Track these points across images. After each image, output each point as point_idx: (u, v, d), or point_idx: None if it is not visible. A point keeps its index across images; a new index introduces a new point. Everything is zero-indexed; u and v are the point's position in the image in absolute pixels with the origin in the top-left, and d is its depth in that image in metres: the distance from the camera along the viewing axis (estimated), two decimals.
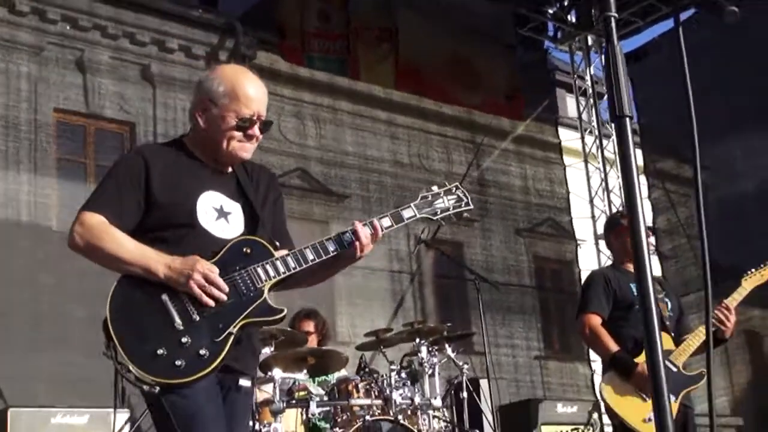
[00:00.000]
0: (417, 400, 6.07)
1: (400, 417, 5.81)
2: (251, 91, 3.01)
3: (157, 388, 2.68)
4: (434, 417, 6.20)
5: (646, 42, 10.90)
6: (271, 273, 2.88)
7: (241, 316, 2.82)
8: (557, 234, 12.72)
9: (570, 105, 12.82)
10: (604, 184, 11.37)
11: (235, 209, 3.03)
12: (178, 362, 2.68)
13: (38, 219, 9.05)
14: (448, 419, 6.49)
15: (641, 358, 4.57)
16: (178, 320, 2.73)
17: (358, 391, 6.07)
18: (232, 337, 2.78)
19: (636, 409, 4.48)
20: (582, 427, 6.08)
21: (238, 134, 2.97)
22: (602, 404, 4.73)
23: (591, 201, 11.31)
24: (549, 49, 12.14)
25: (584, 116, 11.65)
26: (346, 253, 3.00)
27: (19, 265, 8.51)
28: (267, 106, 3.04)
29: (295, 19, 9.73)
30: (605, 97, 11.30)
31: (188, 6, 10.72)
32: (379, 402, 5.96)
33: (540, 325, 11.00)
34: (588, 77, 11.44)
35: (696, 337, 4.68)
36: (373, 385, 6.16)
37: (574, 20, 11.14)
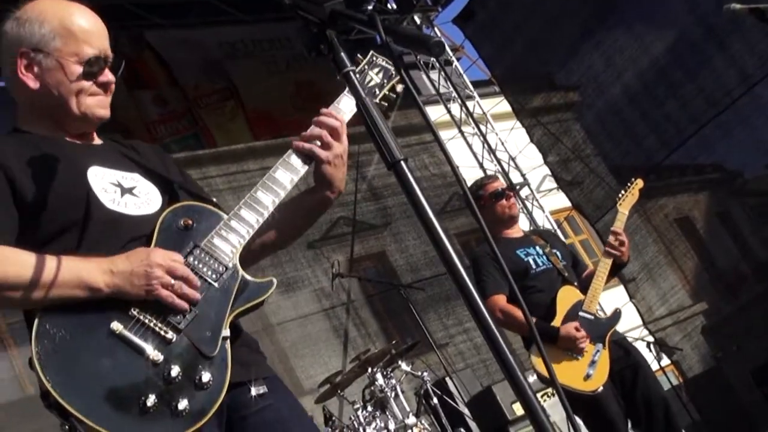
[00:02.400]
0: (392, 426, 6.15)
1: None
2: (88, 24, 2.27)
3: None
4: None
5: (469, 1, 11.10)
6: (234, 240, 2.16)
7: (227, 310, 2.10)
8: (465, 206, 12.88)
9: (427, 83, 12.97)
10: (485, 144, 11.56)
11: (136, 181, 2.29)
12: (180, 406, 1.94)
13: None
14: (429, 430, 6.54)
15: (557, 321, 4.66)
16: (149, 349, 1.96)
17: None
18: (227, 343, 2.07)
19: (573, 371, 4.52)
20: (550, 390, 6.19)
21: (88, 84, 2.23)
22: (539, 377, 4.77)
23: (481, 165, 11.49)
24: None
25: (442, 89, 11.82)
26: (316, 171, 2.35)
27: None
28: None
29: (134, 115, 9.65)
30: (455, 62, 11.59)
31: None
32: None
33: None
34: None
35: (600, 276, 4.75)
36: (346, 430, 6.22)
37: (395, 6, 11.32)
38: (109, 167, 2.25)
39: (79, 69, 2.21)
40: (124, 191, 2.22)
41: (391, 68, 2.61)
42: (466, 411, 7.38)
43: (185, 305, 2.02)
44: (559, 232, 10.42)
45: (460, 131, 11.73)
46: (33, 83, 2.22)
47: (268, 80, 10.43)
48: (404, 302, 7.71)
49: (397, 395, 6.52)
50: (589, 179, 11.18)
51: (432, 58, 11.58)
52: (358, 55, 2.55)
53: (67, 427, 1.85)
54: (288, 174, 2.29)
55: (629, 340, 5.32)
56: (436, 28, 11.79)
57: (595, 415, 4.58)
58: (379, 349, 6.81)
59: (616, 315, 4.84)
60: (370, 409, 6.34)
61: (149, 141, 9.98)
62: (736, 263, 12.50)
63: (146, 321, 1.99)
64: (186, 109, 10.11)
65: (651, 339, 10.02)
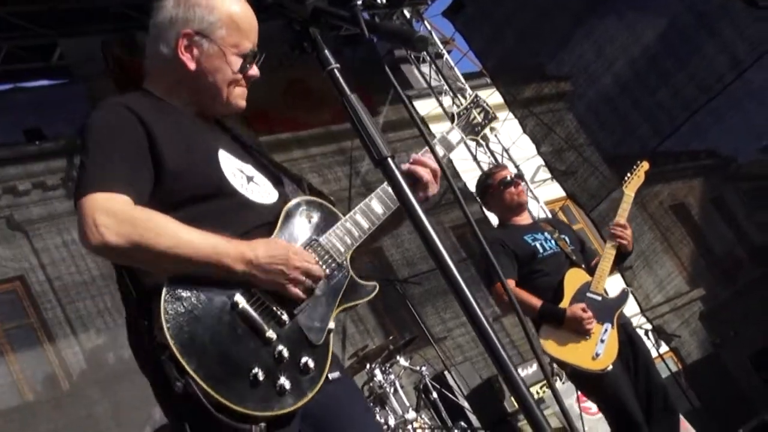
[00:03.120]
0: (392, 421, 6.15)
1: None
2: (249, 19, 2.39)
3: (263, 425, 1.99)
4: (416, 429, 6.27)
5: None
6: (348, 241, 2.29)
7: (335, 305, 2.25)
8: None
9: (419, 76, 12.95)
10: None
11: (253, 172, 2.38)
12: (286, 385, 2.04)
13: None
14: (429, 425, 6.55)
15: (565, 303, 4.67)
16: (266, 327, 2.06)
17: None
18: (331, 335, 2.21)
19: (581, 351, 4.54)
20: (557, 376, 6.19)
21: (239, 76, 2.35)
22: (549, 359, 4.79)
23: (474, 157, 11.50)
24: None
25: (433, 82, 11.82)
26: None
27: None
28: None
29: None
30: (446, 55, 11.57)
31: (22, 144, 10.35)
32: None
33: (481, 293, 11.13)
34: None
35: (606, 259, 4.77)
36: None
37: (384, 1, 11.29)
38: (232, 154, 2.34)
39: (238, 61, 2.33)
40: (248, 179, 2.32)
41: (491, 111, 2.85)
42: (465, 404, 7.39)
43: (305, 297, 2.15)
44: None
45: (452, 122, 11.71)
46: (191, 63, 2.31)
47: (261, 79, 10.39)
48: (401, 297, 7.71)
49: (396, 390, 6.53)
50: (582, 168, 11.18)
51: (423, 52, 11.57)
52: (465, 95, 2.69)
53: (179, 383, 1.92)
54: None
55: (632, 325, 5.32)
56: (426, 22, 11.79)
57: (606, 395, 4.61)
58: (377, 345, 6.83)
59: (624, 295, 4.87)
60: (370, 404, 6.34)
61: None
62: (731, 248, 12.53)
63: (266, 300, 2.10)
64: None
65: (649, 326, 10.03)
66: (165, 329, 1.94)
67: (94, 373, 8.80)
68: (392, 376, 6.55)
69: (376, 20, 9.70)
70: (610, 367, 4.52)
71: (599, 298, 4.69)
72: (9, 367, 8.48)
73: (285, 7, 1.63)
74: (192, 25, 2.31)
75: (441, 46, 12.07)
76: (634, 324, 9.84)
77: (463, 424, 6.67)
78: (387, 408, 6.39)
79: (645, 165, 5.15)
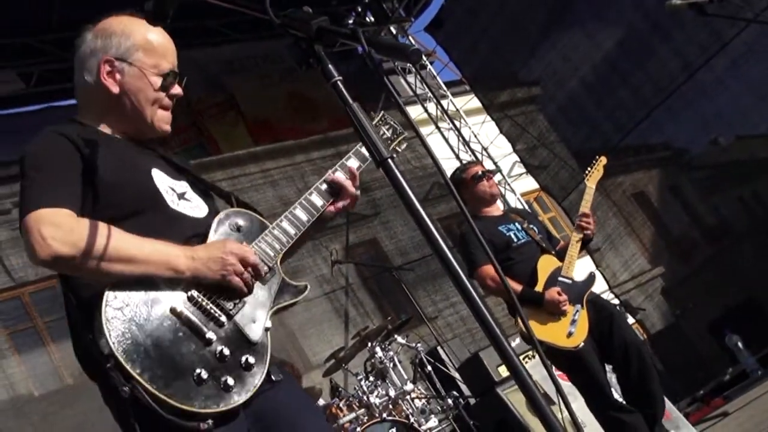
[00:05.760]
0: (392, 393, 6.15)
1: (385, 414, 5.88)
2: (165, 41, 2.30)
3: (210, 422, 1.89)
4: (413, 399, 6.28)
5: (438, 10, 11.10)
6: (278, 246, 2.21)
7: (270, 305, 2.16)
8: (446, 194, 12.87)
9: (405, 85, 12.95)
10: (460, 138, 11.57)
11: (185, 188, 2.30)
12: (229, 382, 1.95)
13: None
14: (425, 395, 6.56)
15: (539, 287, 4.68)
16: (205, 329, 1.97)
17: (342, 411, 6.11)
18: (268, 333, 2.11)
19: (556, 331, 4.55)
20: (530, 352, 6.20)
21: (162, 95, 2.26)
22: (524, 338, 4.80)
23: (457, 156, 11.49)
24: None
25: (418, 90, 11.82)
26: (331, 207, 2.41)
27: None
28: None
29: None
30: (429, 65, 11.56)
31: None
32: (363, 410, 6.01)
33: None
34: None
35: (573, 247, 4.78)
36: (351, 399, 6.22)
37: (372, 19, 11.28)
38: (164, 173, 2.26)
39: (158, 81, 2.25)
40: (179, 196, 2.23)
41: (399, 127, 2.74)
42: (457, 375, 7.40)
43: (248, 292, 2.06)
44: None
45: (437, 127, 11.74)
46: (114, 87, 2.23)
47: (263, 92, 10.40)
48: (396, 282, 7.71)
49: (395, 365, 6.53)
50: (554, 163, 11.20)
51: (408, 64, 11.55)
52: (371, 113, 2.65)
53: (126, 388, 1.82)
54: (320, 199, 2.38)
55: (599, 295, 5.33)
56: (410, 37, 11.77)
57: (578, 368, 4.61)
58: (376, 326, 6.82)
59: (591, 278, 4.87)
60: (371, 379, 6.35)
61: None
62: (688, 230, 12.53)
63: (203, 303, 2.01)
64: (192, 122, 10.08)
65: (617, 302, 10.07)
66: (107, 337, 1.84)
67: None
68: (391, 353, 6.56)
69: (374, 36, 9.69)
70: (582, 344, 4.54)
71: (570, 282, 4.69)
72: (50, 356, 8.48)
73: (292, 27, 1.64)
74: (111, 51, 2.24)
75: (424, 58, 12.08)
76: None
77: (455, 393, 6.68)
78: (387, 381, 6.40)
79: (603, 159, 5.18)
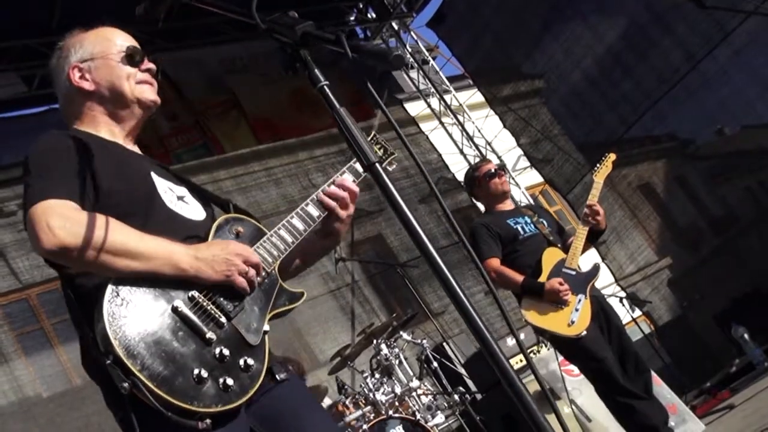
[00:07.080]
0: (398, 390, 6.15)
1: (391, 411, 5.88)
2: (117, 31, 2.43)
3: (209, 421, 1.90)
4: (420, 396, 6.28)
5: (440, 5, 11.09)
6: (275, 253, 2.24)
7: (269, 309, 2.18)
8: (451, 188, 12.86)
9: (408, 81, 12.94)
10: (464, 132, 11.55)
11: (184, 192, 2.34)
12: (228, 382, 1.95)
13: None
14: (432, 391, 6.56)
15: (543, 277, 4.73)
16: (205, 329, 1.98)
17: (348, 408, 6.12)
18: (266, 336, 2.13)
19: (558, 319, 4.63)
20: (535, 347, 6.21)
21: (134, 70, 2.34)
22: (531, 327, 4.85)
23: (461, 151, 11.48)
24: None
25: (421, 86, 11.80)
26: (329, 222, 2.42)
27: None
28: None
29: (151, 133, 9.61)
30: (432, 61, 11.54)
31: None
32: (369, 408, 6.02)
33: (472, 272, 11.11)
34: (407, 53, 11.59)
35: (578, 239, 4.86)
36: (358, 396, 6.22)
37: (374, 15, 11.27)
38: (162, 176, 2.29)
39: (124, 59, 2.33)
40: (178, 197, 2.26)
41: (389, 147, 2.80)
42: (463, 371, 7.40)
43: (250, 291, 2.09)
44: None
45: (441, 122, 11.72)
46: (89, 85, 2.31)
47: (265, 90, 10.38)
48: (401, 279, 7.69)
49: (401, 362, 6.53)
50: (558, 156, 11.20)
51: (410, 58, 11.56)
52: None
53: (125, 384, 1.81)
54: (317, 210, 2.40)
55: (605, 296, 5.36)
56: (412, 32, 11.76)
57: (584, 356, 4.67)
58: (382, 323, 6.82)
59: (595, 268, 4.93)
60: (377, 376, 6.34)
61: (164, 152, 10.02)
62: (694, 220, 12.52)
63: (204, 304, 2.02)
64: (194, 122, 10.08)
65: (623, 294, 10.05)
66: (108, 333, 1.84)
67: None
68: (397, 349, 6.55)
69: (359, 41, 9.67)
70: (584, 332, 4.58)
71: (573, 273, 4.78)
72: (59, 358, 8.52)
73: (277, 32, 1.64)
74: (74, 60, 2.33)
75: (427, 54, 12.06)
76: (610, 292, 9.90)
77: (461, 388, 6.67)
78: (393, 378, 6.39)
79: (612, 156, 5.30)
